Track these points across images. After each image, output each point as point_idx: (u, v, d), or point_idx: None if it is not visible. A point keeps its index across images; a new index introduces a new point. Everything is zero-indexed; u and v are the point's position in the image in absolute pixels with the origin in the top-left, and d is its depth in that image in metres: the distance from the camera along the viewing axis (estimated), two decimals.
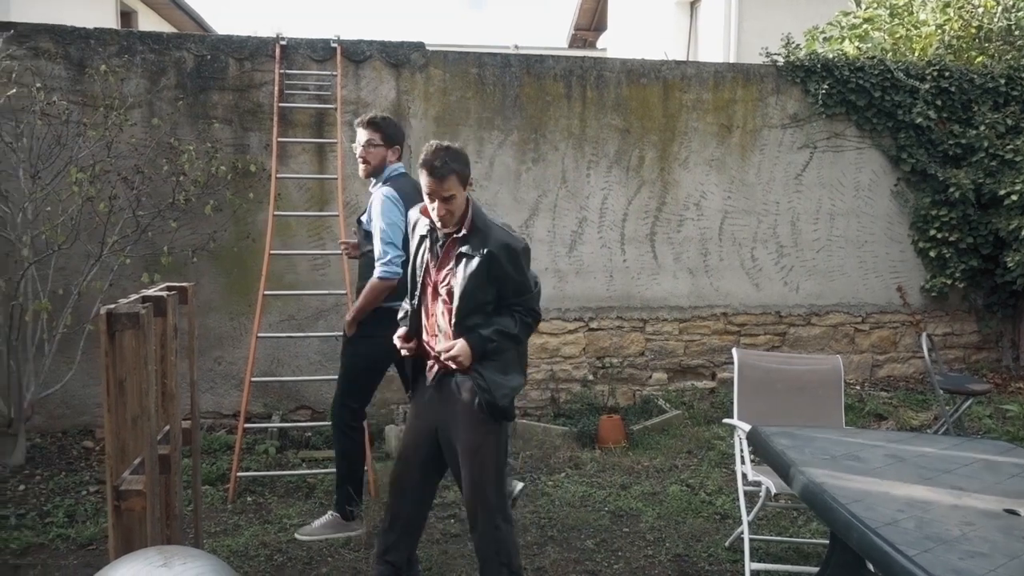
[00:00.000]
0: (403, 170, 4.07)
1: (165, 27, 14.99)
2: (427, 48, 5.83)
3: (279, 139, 5.44)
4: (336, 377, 4.23)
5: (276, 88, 5.48)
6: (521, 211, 5.98)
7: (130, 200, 5.05)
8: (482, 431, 3.11)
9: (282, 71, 5.53)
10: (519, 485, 4.19)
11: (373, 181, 4.06)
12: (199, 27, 15.73)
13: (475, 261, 3.00)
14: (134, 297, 2.99)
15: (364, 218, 4.03)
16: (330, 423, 4.26)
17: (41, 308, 4.78)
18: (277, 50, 5.53)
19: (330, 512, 4.16)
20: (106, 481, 2.78)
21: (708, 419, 5.89)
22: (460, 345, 3.03)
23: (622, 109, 6.07)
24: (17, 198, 4.75)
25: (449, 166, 2.94)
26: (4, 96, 4.70)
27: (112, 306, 2.76)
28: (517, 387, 3.16)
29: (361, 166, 4.04)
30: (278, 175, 5.37)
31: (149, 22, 14.65)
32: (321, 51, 5.66)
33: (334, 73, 5.60)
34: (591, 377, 6.16)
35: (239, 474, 4.61)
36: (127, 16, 13.91)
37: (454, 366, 3.05)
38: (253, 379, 4.83)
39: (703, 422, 5.85)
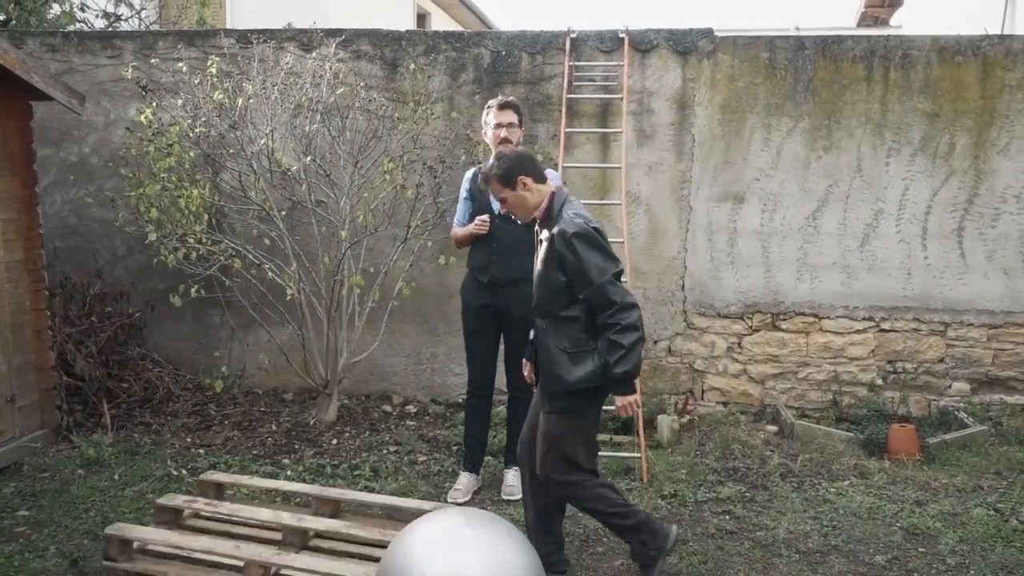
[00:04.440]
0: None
1: (454, 26, 16.06)
2: (715, 34, 5.70)
3: (566, 129, 5.62)
4: None
5: (565, 80, 5.66)
6: (809, 202, 5.67)
7: (432, 188, 5.48)
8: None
9: (571, 63, 5.70)
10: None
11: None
12: (484, 25, 16.67)
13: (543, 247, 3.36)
14: None
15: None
16: (522, 389, 4.37)
17: (355, 284, 5.35)
18: (567, 43, 5.70)
19: (515, 468, 4.41)
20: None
21: (1021, 439, 5.22)
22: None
23: (930, 91, 5.53)
24: (340, 186, 5.34)
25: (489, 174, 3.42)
26: (333, 95, 5.30)
27: None
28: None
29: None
30: (564, 164, 5.55)
31: (441, 22, 15.77)
32: (609, 42, 5.75)
33: (620, 63, 5.67)
34: (880, 382, 5.71)
35: None
36: (422, 17, 15.09)
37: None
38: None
39: (1014, 442, 5.19)
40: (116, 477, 4.58)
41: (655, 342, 5.87)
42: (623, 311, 3.15)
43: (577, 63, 5.75)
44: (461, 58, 5.85)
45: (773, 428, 5.45)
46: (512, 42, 5.84)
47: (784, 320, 5.74)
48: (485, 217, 4.32)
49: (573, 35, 5.75)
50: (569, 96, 5.67)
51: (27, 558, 3.68)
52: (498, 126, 4.32)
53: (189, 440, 5.17)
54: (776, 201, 5.69)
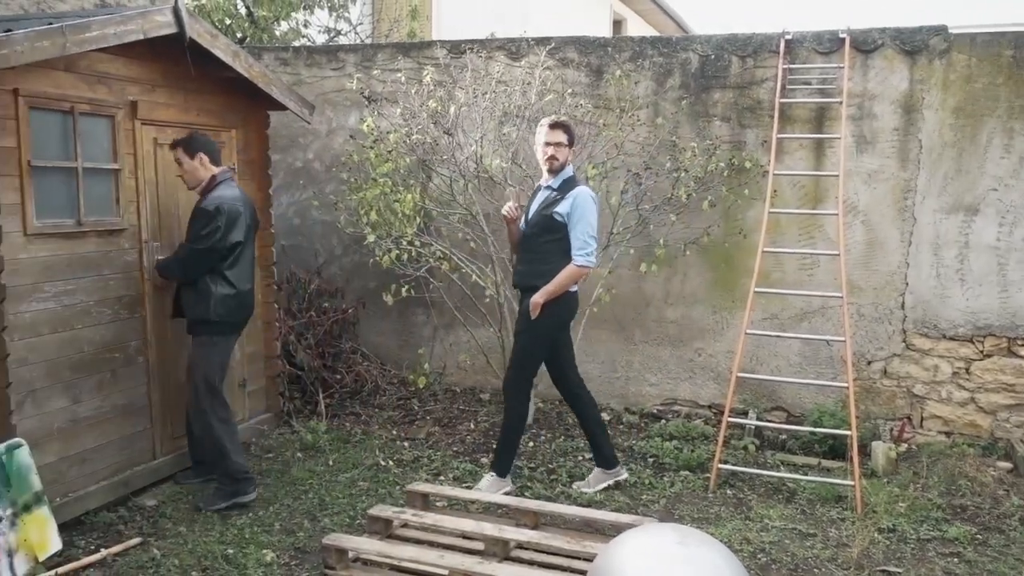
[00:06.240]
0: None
1: (650, 32, 15.88)
2: (949, 31, 5.25)
3: (778, 135, 5.37)
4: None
5: (778, 83, 5.41)
6: None
7: (636, 195, 5.43)
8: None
9: (785, 66, 5.44)
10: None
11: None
12: (681, 29, 16.36)
13: None
14: None
15: (563, 210, 4.31)
16: (500, 393, 4.66)
17: None
18: (781, 45, 5.45)
19: (491, 475, 4.49)
20: None
21: None
22: None
23: None
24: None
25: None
26: (540, 102, 5.37)
27: None
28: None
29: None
30: (775, 172, 5.32)
31: (636, 27, 15.65)
32: (827, 43, 5.44)
33: (840, 65, 5.35)
34: None
35: (719, 466, 4.69)
36: (618, 24, 15.02)
37: None
38: (739, 374, 4.88)
39: None
40: (330, 463, 4.88)
41: (868, 363, 5.48)
42: (177, 260, 4.25)
43: (791, 65, 5.49)
44: (668, 63, 5.75)
45: (1007, 465, 4.92)
46: (722, 45, 5.66)
47: (1023, 346, 5.18)
48: (509, 206, 4.54)
49: (788, 36, 5.49)
50: (782, 100, 5.42)
51: (256, 532, 3.99)
52: (547, 144, 4.37)
53: (395, 432, 5.41)
54: (1017, 214, 5.14)
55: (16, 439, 3.54)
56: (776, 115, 5.40)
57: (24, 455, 3.51)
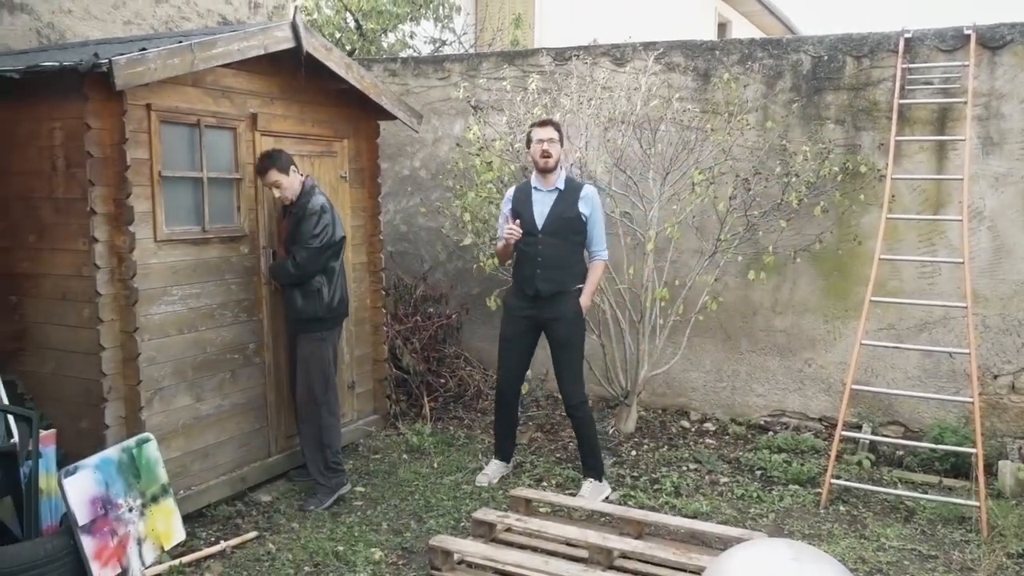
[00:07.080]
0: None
1: (756, 34, 15.51)
2: None
3: (896, 138, 5.15)
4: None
5: (897, 84, 5.19)
6: None
7: (745, 200, 5.30)
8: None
9: (904, 65, 5.22)
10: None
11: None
12: (788, 30, 15.93)
13: None
14: None
15: (586, 210, 4.51)
16: (573, 406, 4.64)
17: (660, 296, 5.33)
18: (900, 44, 5.23)
19: (590, 480, 4.58)
20: None
21: None
22: None
23: None
24: (648, 197, 5.35)
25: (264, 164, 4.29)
26: (645, 107, 5.33)
27: None
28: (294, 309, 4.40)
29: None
30: (893, 176, 5.10)
31: (741, 30, 15.31)
32: (951, 40, 5.18)
33: (965, 63, 5.09)
34: None
35: (832, 481, 4.53)
36: (723, 26, 14.75)
37: None
38: (853, 386, 4.70)
39: None
40: (435, 465, 4.96)
41: (995, 376, 5.17)
42: (295, 264, 4.28)
43: (911, 65, 5.25)
44: (778, 65, 5.60)
45: None
46: (835, 46, 5.48)
47: None
48: (514, 225, 4.51)
49: (907, 35, 5.26)
50: (901, 101, 5.19)
51: (364, 530, 4.10)
52: (539, 141, 4.52)
53: None
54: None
55: (145, 434, 3.76)
56: (894, 117, 5.17)
57: (152, 449, 3.72)
